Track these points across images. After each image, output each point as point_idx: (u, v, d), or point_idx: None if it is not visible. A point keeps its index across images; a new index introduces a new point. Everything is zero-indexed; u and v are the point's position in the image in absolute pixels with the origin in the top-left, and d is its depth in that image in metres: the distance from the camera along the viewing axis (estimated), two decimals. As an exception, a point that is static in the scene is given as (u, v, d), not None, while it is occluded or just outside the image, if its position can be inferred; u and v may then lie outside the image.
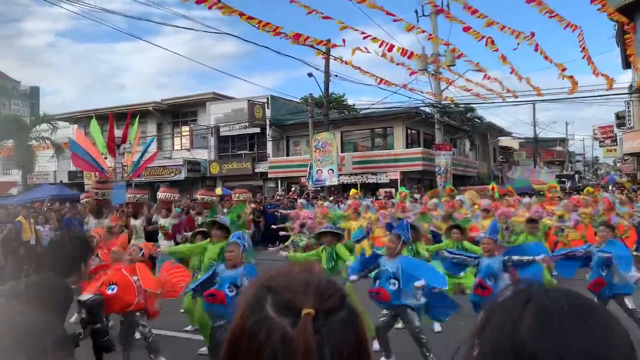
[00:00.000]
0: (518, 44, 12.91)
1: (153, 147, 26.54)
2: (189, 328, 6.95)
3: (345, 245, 6.85)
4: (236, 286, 5.08)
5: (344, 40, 13.75)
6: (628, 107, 26.20)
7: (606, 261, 5.88)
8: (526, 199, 13.21)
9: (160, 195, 10.52)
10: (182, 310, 7.25)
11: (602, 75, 15.85)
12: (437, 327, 6.60)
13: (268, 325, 0.79)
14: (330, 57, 21.54)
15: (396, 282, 5.37)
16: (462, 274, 7.34)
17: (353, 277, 5.82)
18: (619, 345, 0.74)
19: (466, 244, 7.41)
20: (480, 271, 5.85)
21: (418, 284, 5.35)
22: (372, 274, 5.75)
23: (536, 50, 13.77)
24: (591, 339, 0.72)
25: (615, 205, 11.79)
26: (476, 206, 12.44)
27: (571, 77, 16.40)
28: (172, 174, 29.03)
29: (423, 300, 5.44)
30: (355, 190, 16.87)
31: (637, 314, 5.86)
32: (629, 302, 5.92)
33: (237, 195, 11.69)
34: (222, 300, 4.99)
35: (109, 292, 5.26)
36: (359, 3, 11.05)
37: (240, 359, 0.81)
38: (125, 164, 18.81)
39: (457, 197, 13.26)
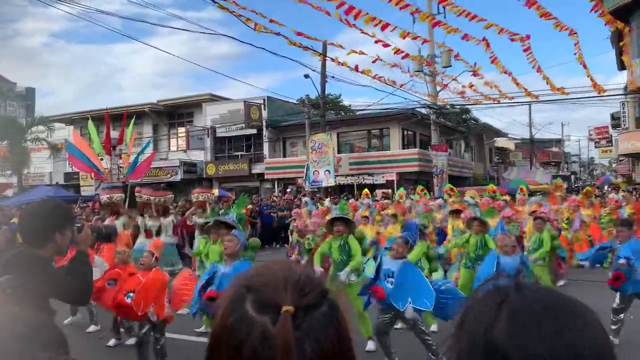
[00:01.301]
0: (513, 41, 12.90)
1: (149, 149, 26.50)
2: (202, 329, 6.81)
3: (357, 238, 6.76)
4: None
5: (340, 46, 13.64)
6: (623, 108, 26.28)
7: (626, 260, 5.80)
8: (534, 198, 13.35)
9: (196, 195, 11.33)
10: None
11: (593, 82, 15.92)
12: (433, 326, 6.54)
13: (248, 323, 0.79)
14: (327, 58, 21.56)
15: (394, 281, 5.36)
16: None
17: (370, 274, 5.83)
18: (593, 345, 0.74)
19: (487, 237, 7.28)
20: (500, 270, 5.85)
21: (408, 315, 5.26)
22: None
23: (527, 51, 13.80)
24: (565, 340, 0.72)
25: (621, 204, 11.96)
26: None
27: (561, 87, 16.54)
28: (168, 175, 28.97)
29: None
30: (367, 191, 16.92)
31: None
32: None
33: (196, 195, 11.43)
34: None
35: (128, 300, 5.23)
36: (355, 19, 11.04)
37: (222, 358, 0.81)
38: (121, 165, 18.75)
39: (465, 199, 13.28)
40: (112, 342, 6.62)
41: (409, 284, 5.33)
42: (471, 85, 18.23)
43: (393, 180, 24.70)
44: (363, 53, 13.66)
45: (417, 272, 5.62)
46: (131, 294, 5.27)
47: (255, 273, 0.87)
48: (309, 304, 0.81)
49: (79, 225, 2.94)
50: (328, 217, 10.60)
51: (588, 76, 15.53)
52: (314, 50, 13.75)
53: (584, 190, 14.02)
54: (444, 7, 19.20)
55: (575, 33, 12.96)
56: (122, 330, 6.44)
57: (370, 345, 6.01)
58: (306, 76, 22.91)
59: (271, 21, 10.98)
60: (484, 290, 0.83)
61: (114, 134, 18.84)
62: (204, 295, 5.06)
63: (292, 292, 0.81)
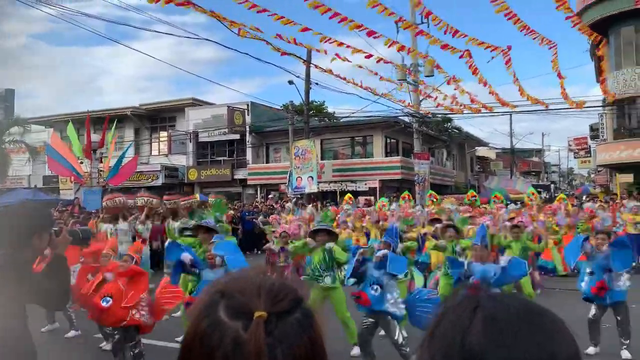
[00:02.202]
0: (493, 57, 13.08)
1: (131, 152, 26.24)
2: (180, 338, 6.78)
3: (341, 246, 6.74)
4: None
5: (325, 51, 13.64)
6: (602, 120, 26.76)
7: (607, 267, 5.89)
8: (511, 206, 13.50)
9: (140, 198, 11.23)
10: (177, 314, 7.23)
11: (565, 95, 16.22)
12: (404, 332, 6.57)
13: (220, 329, 0.79)
14: (311, 64, 21.62)
15: (379, 287, 5.37)
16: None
17: (351, 281, 5.83)
18: (565, 349, 0.75)
19: (463, 242, 7.34)
20: (475, 276, 5.84)
21: (379, 254, 5.47)
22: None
23: (507, 64, 13.98)
24: (539, 346, 0.73)
25: (596, 213, 12.12)
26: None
27: (538, 99, 16.82)
28: (150, 180, 28.71)
29: (403, 311, 5.41)
30: (349, 195, 16.93)
31: (627, 325, 5.87)
32: (625, 311, 5.92)
33: (140, 198, 11.23)
34: None
35: (104, 304, 5.15)
36: (340, 22, 11.09)
37: None
38: (102, 169, 18.54)
39: (447, 206, 13.37)
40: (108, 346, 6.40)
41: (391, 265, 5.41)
42: (454, 98, 18.41)
43: (376, 188, 24.79)
44: (347, 60, 13.71)
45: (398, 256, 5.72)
46: (108, 298, 5.19)
47: (230, 279, 0.88)
48: (282, 311, 0.81)
49: (56, 229, 2.89)
50: (312, 224, 10.59)
51: (562, 93, 15.81)
52: (298, 57, 13.78)
53: (558, 197, 14.28)
54: (426, 18, 19.48)
55: (555, 45, 13.19)
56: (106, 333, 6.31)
57: (355, 350, 6.01)
58: (290, 82, 22.92)
59: (252, 28, 10.97)
60: (457, 298, 0.83)
61: (95, 137, 18.61)
62: (187, 299, 5.06)
63: (265, 298, 0.81)
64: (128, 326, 5.30)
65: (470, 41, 12.20)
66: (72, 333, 7.19)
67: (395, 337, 5.35)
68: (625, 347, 5.85)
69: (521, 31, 11.67)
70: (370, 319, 5.50)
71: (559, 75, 14.73)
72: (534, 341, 0.73)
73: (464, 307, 0.79)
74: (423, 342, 0.82)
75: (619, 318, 5.90)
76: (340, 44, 12.57)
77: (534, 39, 12.12)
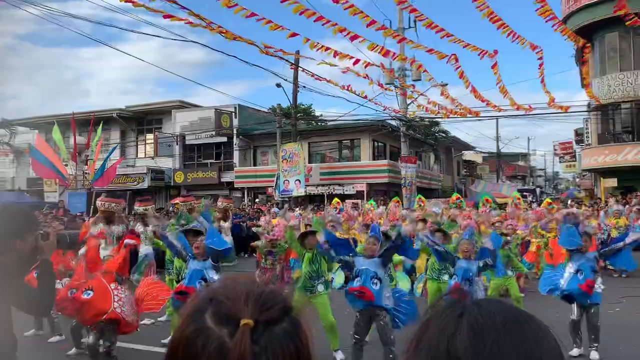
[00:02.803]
0: (480, 58, 13.16)
1: (116, 155, 26.02)
2: (166, 341, 6.72)
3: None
4: (205, 281, 5.07)
5: (312, 58, 13.71)
6: (586, 125, 27.07)
7: (594, 268, 6.02)
8: (495, 212, 13.55)
9: (219, 204, 12.86)
10: (162, 319, 7.11)
11: (551, 99, 16.40)
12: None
13: (206, 335, 0.78)
14: (299, 68, 21.62)
15: (378, 282, 5.34)
16: (445, 278, 7.42)
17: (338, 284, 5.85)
18: (551, 354, 0.75)
19: (450, 246, 7.44)
20: (457, 274, 5.98)
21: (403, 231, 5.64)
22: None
23: (494, 68, 14.10)
24: (523, 353, 0.73)
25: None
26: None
27: (524, 104, 17.03)
28: (135, 182, 28.50)
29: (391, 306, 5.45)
30: (337, 200, 16.99)
31: (597, 331, 5.96)
32: (598, 315, 6.02)
33: (101, 203, 10.45)
34: None
35: (85, 296, 5.11)
36: (324, 25, 11.10)
37: None
38: (87, 171, 18.37)
39: (433, 209, 13.41)
40: (72, 350, 6.40)
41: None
42: (437, 104, 18.55)
43: (363, 191, 24.84)
44: (333, 65, 13.73)
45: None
46: (90, 292, 5.13)
47: (220, 285, 0.87)
48: (269, 319, 0.80)
49: (42, 232, 2.83)
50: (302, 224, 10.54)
51: (547, 94, 15.95)
52: (286, 60, 13.75)
53: (544, 202, 14.40)
54: (415, 21, 19.57)
55: (541, 51, 13.33)
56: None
57: (339, 355, 5.98)
58: (278, 85, 22.90)
59: (236, 38, 10.94)
60: (444, 303, 0.83)
61: (81, 139, 18.45)
62: (174, 290, 5.18)
63: (253, 306, 0.80)
64: (107, 321, 5.22)
65: (457, 42, 12.24)
66: (55, 338, 7.10)
67: (389, 337, 5.32)
68: (594, 348, 5.97)
69: (507, 37, 11.77)
70: (364, 315, 5.44)
71: (542, 80, 14.88)
72: (518, 349, 0.73)
73: (450, 314, 0.79)
74: (409, 348, 0.82)
75: (593, 321, 5.97)
76: (327, 48, 12.59)
77: (520, 42, 12.22)
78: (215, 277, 5.25)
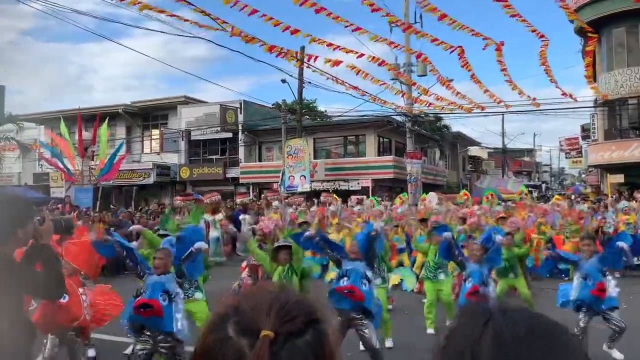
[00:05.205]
0: (485, 47, 12.95)
1: (122, 151, 26.08)
2: (129, 350, 6.12)
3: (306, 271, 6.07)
4: (168, 293, 4.52)
5: (315, 58, 13.55)
6: (593, 121, 26.91)
7: (601, 269, 5.80)
8: (498, 207, 13.50)
9: (207, 200, 13.24)
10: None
11: (563, 93, 16.29)
12: (389, 342, 6.45)
13: (226, 345, 0.78)
14: (304, 64, 21.58)
15: (367, 282, 5.24)
16: (441, 277, 7.41)
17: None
18: None
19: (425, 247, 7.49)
20: (472, 277, 5.91)
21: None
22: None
23: (498, 61, 13.95)
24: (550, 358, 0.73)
25: (584, 214, 12.19)
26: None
27: (533, 98, 16.89)
28: (141, 178, 28.58)
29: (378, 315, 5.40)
30: (335, 197, 16.80)
31: (617, 335, 5.76)
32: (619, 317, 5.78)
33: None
34: (159, 312, 4.37)
35: (61, 300, 4.84)
36: (327, 16, 11.01)
37: None
38: (94, 166, 18.43)
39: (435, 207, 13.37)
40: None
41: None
42: (443, 99, 18.45)
43: (368, 187, 24.81)
44: (337, 63, 13.66)
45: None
46: (65, 295, 4.97)
47: (245, 294, 0.86)
48: (291, 331, 0.78)
49: (39, 218, 2.82)
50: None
51: (552, 81, 15.78)
52: (292, 56, 13.70)
53: (554, 198, 14.35)
54: (421, 16, 19.45)
55: (547, 40, 13.16)
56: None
57: None
58: (283, 81, 22.89)
59: (238, 36, 10.89)
60: (470, 309, 0.83)
61: (87, 135, 18.49)
62: (134, 304, 4.54)
63: (274, 317, 0.79)
64: (75, 328, 5.02)
65: (463, 29, 12.02)
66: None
67: (373, 342, 5.14)
68: (613, 347, 5.87)
69: (512, 17, 11.42)
70: (344, 319, 5.15)
71: (547, 71, 14.72)
72: (544, 356, 0.74)
73: (476, 321, 0.79)
74: (437, 352, 0.81)
75: (617, 324, 5.71)
76: (330, 44, 12.52)
77: (526, 28, 11.99)
78: (178, 289, 4.68)
